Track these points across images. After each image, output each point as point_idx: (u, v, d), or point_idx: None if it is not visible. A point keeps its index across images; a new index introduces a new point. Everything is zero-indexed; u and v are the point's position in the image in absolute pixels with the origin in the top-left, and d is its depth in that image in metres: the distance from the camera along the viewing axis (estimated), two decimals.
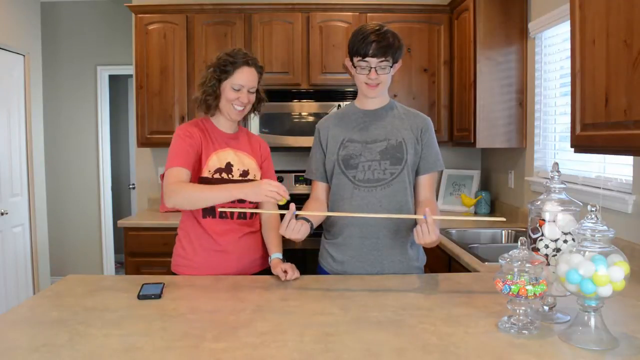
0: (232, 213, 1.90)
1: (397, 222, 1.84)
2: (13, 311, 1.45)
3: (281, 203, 1.66)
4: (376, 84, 1.80)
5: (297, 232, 1.65)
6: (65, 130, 4.98)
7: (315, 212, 1.83)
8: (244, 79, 1.86)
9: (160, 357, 1.14)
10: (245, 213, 1.93)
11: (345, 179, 1.86)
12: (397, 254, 1.87)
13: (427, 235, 1.60)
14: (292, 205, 1.64)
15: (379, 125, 1.87)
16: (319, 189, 1.95)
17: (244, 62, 1.86)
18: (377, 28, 1.76)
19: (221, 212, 1.88)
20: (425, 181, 1.91)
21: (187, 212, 1.93)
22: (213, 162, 1.87)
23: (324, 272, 1.93)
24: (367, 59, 1.76)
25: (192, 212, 1.91)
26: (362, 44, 1.75)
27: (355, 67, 1.80)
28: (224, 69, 1.84)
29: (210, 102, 1.87)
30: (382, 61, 1.76)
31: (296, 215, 1.67)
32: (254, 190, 1.68)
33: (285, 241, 1.97)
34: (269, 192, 1.64)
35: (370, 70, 1.77)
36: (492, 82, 3.14)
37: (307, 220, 1.71)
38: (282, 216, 1.86)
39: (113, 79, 5.37)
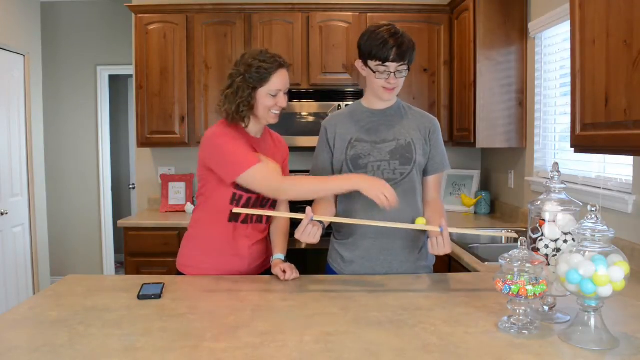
0: (251, 219, 1.87)
1: (403, 220, 1.83)
2: (13, 311, 1.45)
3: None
4: (394, 87, 1.79)
5: (314, 236, 1.64)
6: (65, 130, 4.98)
7: (331, 216, 1.75)
8: (281, 82, 1.78)
9: (160, 357, 1.14)
10: (261, 217, 1.91)
11: None
12: (407, 254, 1.87)
13: (442, 247, 1.62)
14: (310, 210, 1.63)
15: (388, 126, 1.87)
16: None
17: (278, 65, 1.77)
18: (393, 31, 1.74)
19: (246, 218, 1.85)
20: (432, 182, 1.92)
21: (206, 213, 1.87)
22: None
23: (333, 273, 1.93)
24: (387, 64, 1.73)
25: (215, 214, 1.84)
26: (382, 49, 1.72)
27: (374, 71, 1.77)
28: (259, 76, 1.74)
29: (244, 113, 1.77)
30: (400, 65, 1.75)
31: None
32: (370, 187, 1.63)
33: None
34: (382, 194, 1.61)
35: (389, 75, 1.76)
36: (492, 82, 3.14)
37: (319, 222, 1.69)
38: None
39: (113, 79, 5.37)
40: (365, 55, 1.78)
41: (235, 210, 1.74)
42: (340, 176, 1.76)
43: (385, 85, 1.78)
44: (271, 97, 1.78)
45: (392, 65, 1.74)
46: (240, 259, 1.88)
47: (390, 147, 1.84)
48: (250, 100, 1.76)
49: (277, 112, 1.83)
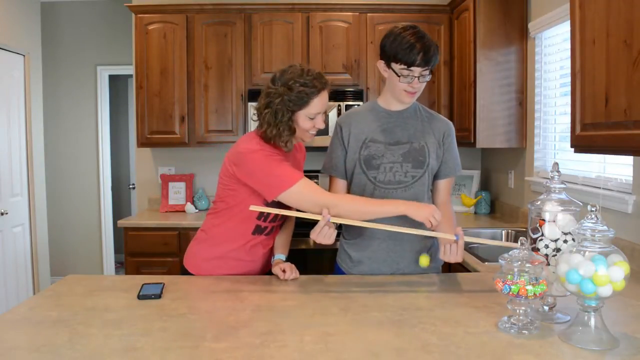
0: (271, 229, 1.87)
1: (417, 225, 1.80)
2: (13, 311, 1.45)
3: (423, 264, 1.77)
4: (416, 91, 1.79)
5: (329, 237, 1.63)
6: (65, 130, 4.98)
7: (349, 220, 1.69)
8: (321, 106, 1.73)
9: (160, 357, 1.14)
10: (279, 226, 1.91)
11: (365, 178, 1.85)
12: (415, 254, 1.87)
13: (454, 255, 1.63)
14: (326, 211, 1.62)
15: (403, 128, 1.86)
16: (339, 186, 1.93)
17: (320, 89, 1.71)
18: (420, 35, 1.72)
19: (271, 230, 1.85)
20: (444, 185, 1.91)
21: (227, 220, 1.83)
22: None
23: (341, 272, 1.94)
24: (412, 68, 1.72)
25: (237, 223, 1.82)
26: (408, 53, 1.70)
27: (397, 74, 1.75)
28: (299, 100, 1.69)
29: (286, 138, 1.72)
30: (425, 70, 1.74)
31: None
32: (419, 211, 1.63)
33: None
34: (432, 217, 1.61)
35: (413, 79, 1.74)
36: (492, 82, 3.14)
37: (334, 224, 1.68)
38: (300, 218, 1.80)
39: (113, 79, 5.37)
40: (390, 57, 1.75)
41: (252, 207, 1.68)
42: (389, 201, 1.71)
43: (407, 89, 1.77)
44: (309, 119, 1.73)
45: (416, 70, 1.73)
46: (255, 264, 1.89)
47: (404, 149, 1.83)
48: (292, 124, 1.72)
49: (314, 133, 1.79)
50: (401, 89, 1.78)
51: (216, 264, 1.86)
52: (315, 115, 1.73)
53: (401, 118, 1.87)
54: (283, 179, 1.68)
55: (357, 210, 1.67)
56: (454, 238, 1.63)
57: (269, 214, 1.78)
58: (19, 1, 4.00)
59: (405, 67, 1.72)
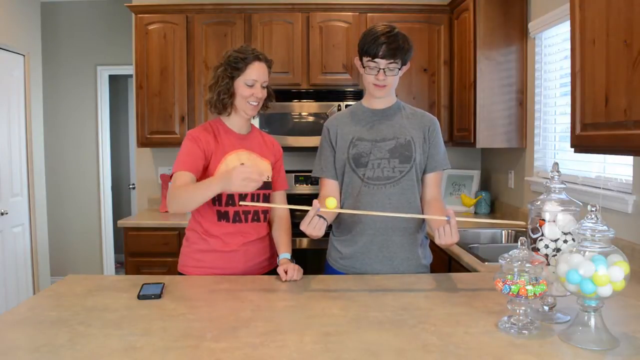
0: (246, 217, 1.89)
1: (408, 220, 1.85)
2: (13, 311, 1.45)
3: (329, 208, 1.59)
4: (384, 84, 1.82)
5: (319, 229, 1.62)
6: (65, 130, 4.98)
7: (339, 209, 1.74)
8: (256, 73, 1.86)
9: (160, 357, 1.14)
10: (258, 215, 1.93)
11: (355, 176, 1.87)
12: (407, 251, 1.88)
13: (449, 236, 1.62)
14: (316, 202, 1.62)
15: (388, 124, 1.89)
16: (330, 186, 1.94)
17: (254, 57, 1.86)
18: (387, 30, 1.78)
19: (235, 216, 1.88)
20: (432, 180, 1.92)
21: (199, 214, 1.91)
22: (226, 165, 1.84)
23: (332, 270, 1.94)
24: (376, 60, 1.78)
25: (204, 215, 1.89)
26: (372, 45, 1.77)
27: (364, 67, 1.82)
28: (235, 66, 1.84)
29: (225, 101, 1.86)
30: (390, 63, 1.78)
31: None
32: (226, 182, 1.61)
33: None
34: (241, 181, 1.57)
35: (379, 71, 1.79)
36: (492, 82, 3.14)
37: (323, 218, 1.67)
38: (291, 212, 1.87)
39: (113, 79, 5.37)
40: (360, 51, 1.83)
41: (242, 203, 1.74)
42: (204, 182, 1.72)
43: (374, 82, 1.82)
44: (247, 87, 1.85)
45: (381, 62, 1.78)
46: (236, 254, 1.89)
47: (390, 145, 1.86)
48: (230, 88, 1.86)
49: (255, 104, 1.89)
50: (370, 82, 1.84)
51: (197, 257, 1.90)
52: (253, 83, 1.86)
53: (385, 115, 1.91)
54: (176, 164, 1.82)
55: (183, 201, 1.73)
56: (446, 218, 1.63)
57: (220, 198, 1.85)
58: (19, 1, 4.00)
59: (370, 58, 1.79)
